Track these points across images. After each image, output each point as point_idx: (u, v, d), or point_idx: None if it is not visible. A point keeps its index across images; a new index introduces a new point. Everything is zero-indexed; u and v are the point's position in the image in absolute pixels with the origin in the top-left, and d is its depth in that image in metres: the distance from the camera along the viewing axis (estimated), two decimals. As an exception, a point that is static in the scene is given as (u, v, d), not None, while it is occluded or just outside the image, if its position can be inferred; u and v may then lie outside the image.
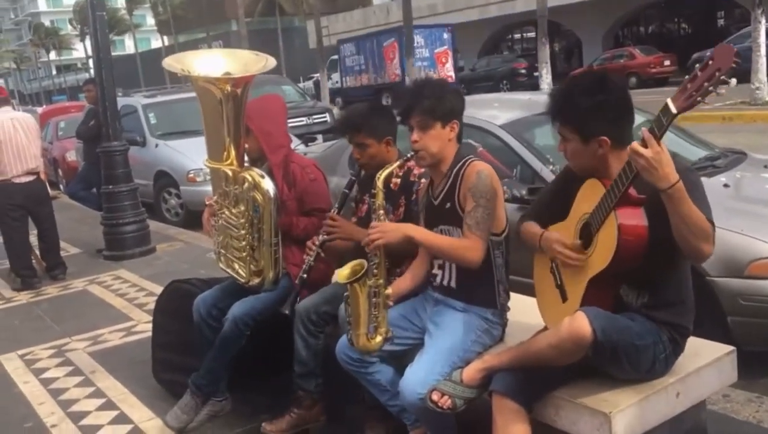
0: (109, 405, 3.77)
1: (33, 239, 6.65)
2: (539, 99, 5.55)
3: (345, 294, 2.61)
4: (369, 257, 2.58)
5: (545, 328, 2.54)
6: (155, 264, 6.86)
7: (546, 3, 18.02)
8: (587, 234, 2.28)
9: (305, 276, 3.07)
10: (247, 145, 3.31)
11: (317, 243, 3.04)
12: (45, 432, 3.57)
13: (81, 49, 63.68)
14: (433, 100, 2.57)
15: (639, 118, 2.16)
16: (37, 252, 6.75)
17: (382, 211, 2.62)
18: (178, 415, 3.40)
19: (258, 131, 3.30)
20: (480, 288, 2.64)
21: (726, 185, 4.00)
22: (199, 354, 3.40)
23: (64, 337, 4.95)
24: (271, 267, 3.24)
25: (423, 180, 2.92)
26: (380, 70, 26.76)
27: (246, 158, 3.34)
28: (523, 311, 2.84)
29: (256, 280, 3.27)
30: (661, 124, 1.99)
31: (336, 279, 3.26)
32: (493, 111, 4.86)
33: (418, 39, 24.96)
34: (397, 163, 2.71)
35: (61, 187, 12.92)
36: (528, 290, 2.99)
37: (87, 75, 45.26)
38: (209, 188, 3.56)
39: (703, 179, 3.93)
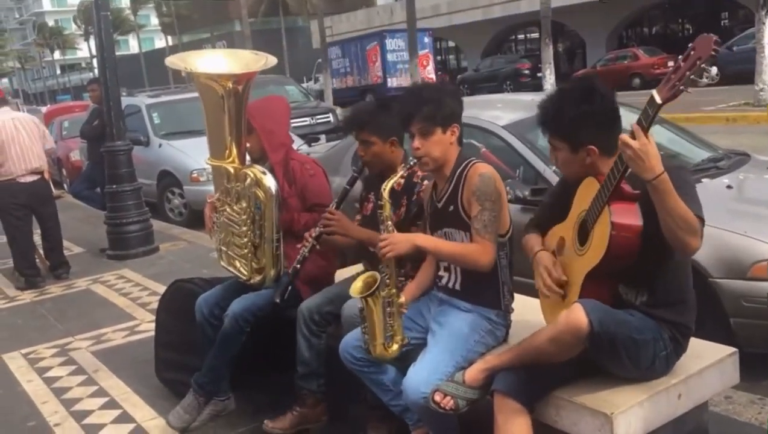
0: (112, 404, 3.78)
1: (37, 238, 6.67)
2: (542, 100, 5.56)
3: (359, 306, 2.62)
4: (380, 268, 2.59)
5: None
6: (158, 263, 6.88)
7: (550, 4, 17.99)
8: (584, 231, 2.32)
9: (299, 266, 3.06)
10: (248, 144, 3.33)
11: (314, 234, 3.04)
12: (48, 431, 3.58)
13: (85, 49, 63.91)
14: (433, 105, 2.57)
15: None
16: (41, 251, 6.77)
17: (389, 222, 2.61)
18: (180, 415, 3.40)
19: (260, 129, 3.33)
20: (484, 289, 2.65)
21: (729, 187, 4.00)
22: (201, 353, 3.41)
23: (67, 336, 4.97)
24: (273, 265, 3.25)
25: (426, 181, 2.92)
26: (364, 73, 28.00)
27: (248, 157, 3.36)
28: (527, 312, 2.84)
29: (257, 278, 3.28)
30: (647, 116, 2.05)
31: (338, 284, 3.28)
32: (496, 112, 4.86)
33: (399, 43, 26.48)
34: (401, 172, 2.69)
35: (65, 186, 12.96)
36: (532, 291, 3.00)
37: (91, 74, 45.33)
38: (212, 188, 3.58)
39: (706, 181, 3.99)
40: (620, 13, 30.10)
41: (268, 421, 3.23)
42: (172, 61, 3.33)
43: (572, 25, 31.80)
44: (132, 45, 70.42)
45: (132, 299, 5.73)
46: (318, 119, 13.44)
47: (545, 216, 2.64)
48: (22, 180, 6.16)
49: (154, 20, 64.05)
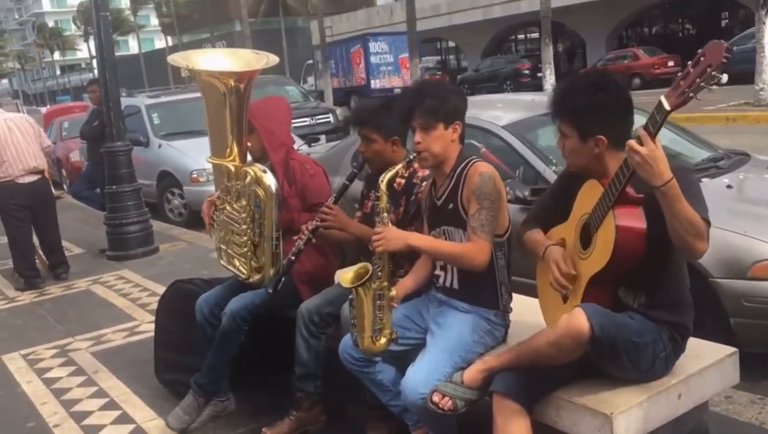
0: (112, 405, 3.78)
1: (36, 239, 6.66)
2: (542, 100, 5.53)
3: (350, 297, 2.61)
4: (373, 260, 2.58)
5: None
6: (158, 264, 6.87)
7: (550, 4, 17.99)
8: (587, 234, 2.29)
9: (293, 258, 3.06)
10: (249, 143, 3.34)
11: (310, 227, 3.04)
12: (47, 432, 3.58)
13: (85, 50, 63.94)
14: (436, 100, 2.56)
15: (641, 119, 2.16)
16: (40, 251, 6.77)
17: (385, 214, 2.60)
18: (179, 416, 3.40)
19: (261, 129, 3.34)
20: (483, 289, 2.64)
21: (729, 186, 4.00)
22: (201, 353, 3.40)
23: (67, 337, 4.96)
24: (272, 264, 3.24)
25: (425, 183, 2.92)
26: (348, 74, 28.84)
27: (249, 156, 3.36)
28: (526, 312, 2.84)
29: (256, 277, 3.28)
30: (655, 122, 2.02)
31: (338, 281, 3.27)
32: (496, 112, 4.86)
33: (382, 46, 28.04)
34: (401, 164, 2.70)
35: (65, 186, 12.96)
36: (530, 291, 2.99)
37: (91, 75, 45.37)
38: (212, 188, 3.58)
39: (706, 180, 3.99)
40: (620, 13, 30.10)
41: (266, 429, 3.22)
42: (175, 58, 3.35)
43: (572, 25, 31.80)
44: (132, 45, 70.43)
45: (132, 300, 5.73)
46: (318, 119, 13.44)
47: (545, 213, 2.61)
48: (21, 180, 6.15)
49: (154, 21, 64.05)
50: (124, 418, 3.62)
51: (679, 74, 2.00)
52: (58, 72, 78.54)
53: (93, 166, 8.07)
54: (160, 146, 9.56)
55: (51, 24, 76.36)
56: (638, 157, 2.01)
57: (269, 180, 3.16)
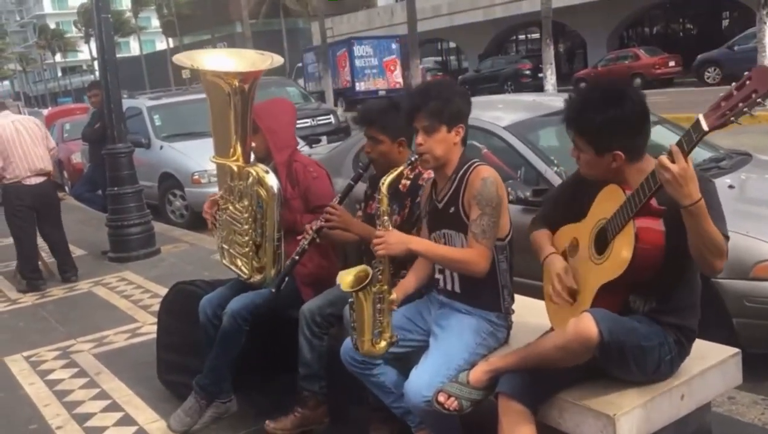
0: (114, 407, 3.78)
1: (41, 241, 6.66)
2: (544, 100, 5.56)
3: (350, 300, 2.60)
4: (373, 263, 2.57)
5: (551, 330, 2.54)
6: (160, 265, 6.88)
7: (550, 4, 17.98)
8: (603, 240, 2.26)
9: (297, 258, 3.05)
10: (254, 144, 3.34)
11: (314, 227, 3.03)
12: (50, 434, 3.59)
13: (86, 51, 63.95)
14: (440, 102, 2.54)
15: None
16: (42, 253, 6.77)
17: (386, 217, 2.59)
18: (181, 418, 3.40)
19: (266, 129, 3.34)
20: (484, 292, 2.64)
21: (731, 186, 3.99)
22: (203, 355, 3.41)
23: (69, 339, 4.97)
24: (273, 264, 3.24)
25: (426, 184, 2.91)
26: (334, 77, 29.24)
27: (252, 157, 3.36)
28: (528, 313, 2.84)
29: (257, 277, 3.28)
30: (690, 140, 1.95)
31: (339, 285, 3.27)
32: (497, 112, 4.86)
33: (367, 49, 29.08)
34: (402, 167, 2.69)
35: (67, 188, 12.97)
36: (532, 292, 2.99)
37: (92, 77, 45.39)
38: (213, 190, 3.59)
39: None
40: (621, 13, 30.09)
41: (269, 422, 3.23)
42: (180, 59, 3.35)
43: (573, 25, 31.80)
44: (133, 47, 70.53)
45: (134, 301, 5.73)
46: (319, 120, 13.44)
47: (556, 212, 2.57)
48: (27, 182, 6.17)
49: (155, 22, 64.18)
50: (127, 420, 3.62)
51: (722, 94, 1.92)
52: (60, 74, 78.61)
53: (94, 168, 8.07)
54: (161, 148, 9.56)
55: (52, 26, 76.45)
56: (669, 174, 1.95)
57: (271, 180, 3.16)
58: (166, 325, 3.86)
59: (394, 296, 2.60)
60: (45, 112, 21.27)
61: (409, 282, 2.78)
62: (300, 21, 49.19)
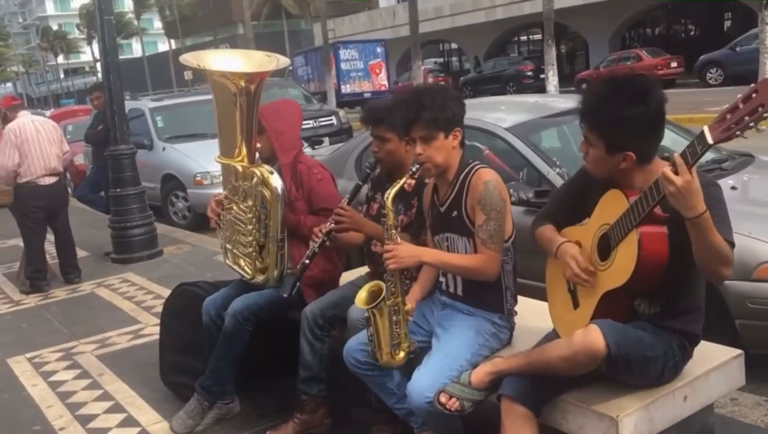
0: (117, 408, 3.79)
1: (46, 243, 6.68)
2: (546, 102, 5.56)
3: (365, 315, 2.60)
4: (385, 277, 2.57)
5: (553, 331, 2.54)
6: (163, 267, 6.88)
7: (552, 5, 17.97)
8: (606, 246, 2.24)
9: (308, 262, 3.03)
10: (259, 145, 3.35)
11: (324, 230, 3.01)
12: (53, 435, 3.59)
13: (89, 53, 63.98)
14: (435, 110, 2.53)
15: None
16: (46, 256, 6.78)
17: (394, 231, 2.58)
18: (183, 420, 3.40)
19: (271, 131, 3.35)
20: (487, 294, 2.64)
21: (733, 188, 3.99)
22: (206, 356, 3.41)
23: (72, 340, 4.97)
24: (276, 265, 3.25)
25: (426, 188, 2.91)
26: (323, 79, 29.91)
27: (258, 157, 3.37)
28: (531, 314, 2.84)
29: (260, 278, 3.28)
30: (695, 153, 1.90)
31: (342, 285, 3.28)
32: (499, 114, 4.86)
33: (352, 53, 30.31)
34: (404, 179, 2.65)
35: (69, 190, 12.97)
36: (536, 293, 2.99)
37: (95, 78, 45.40)
38: (216, 191, 3.59)
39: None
40: (623, 14, 30.07)
41: (270, 431, 3.23)
42: (187, 58, 3.36)
43: (575, 26, 31.80)
44: (135, 48, 70.61)
45: (136, 303, 5.74)
46: (321, 122, 13.43)
47: (559, 212, 2.54)
48: (42, 182, 6.20)
49: (158, 24, 64.21)
50: (130, 421, 3.62)
51: (727, 106, 1.88)
52: (62, 75, 78.72)
53: (97, 170, 8.09)
54: (164, 149, 9.57)
55: (55, 27, 76.57)
56: (673, 187, 1.92)
57: (276, 181, 3.17)
58: (169, 327, 3.86)
59: (408, 306, 2.61)
60: (48, 113, 21.27)
61: (417, 291, 2.79)
62: (302, 22, 49.22)
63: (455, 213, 2.62)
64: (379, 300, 2.53)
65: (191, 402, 3.42)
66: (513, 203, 3.02)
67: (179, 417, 3.41)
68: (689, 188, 1.91)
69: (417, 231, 2.95)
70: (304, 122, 12.57)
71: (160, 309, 4.09)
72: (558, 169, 4.13)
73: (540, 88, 22.21)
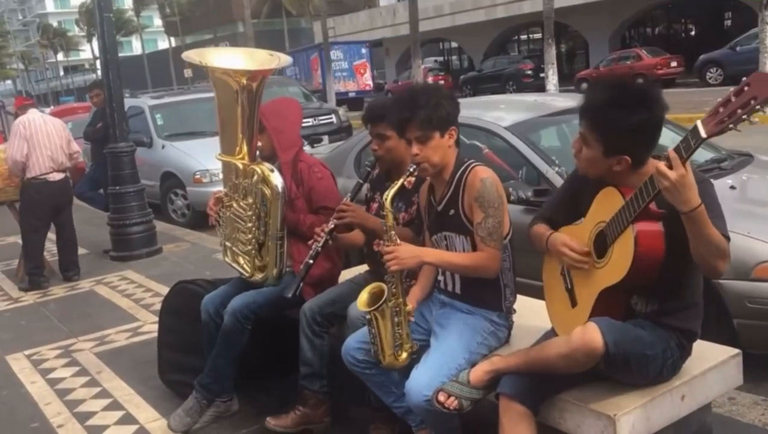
0: (115, 406, 3.79)
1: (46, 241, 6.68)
2: (545, 101, 5.56)
3: (366, 317, 2.60)
4: (386, 279, 2.57)
5: (552, 329, 2.54)
6: (162, 264, 6.89)
7: (552, 4, 17.95)
8: (602, 244, 2.24)
9: (311, 261, 3.01)
10: (260, 143, 3.34)
11: (326, 229, 2.99)
12: (51, 433, 3.59)
13: (88, 50, 63.95)
14: (429, 109, 2.52)
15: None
16: (45, 252, 6.78)
17: (393, 232, 2.57)
18: (181, 417, 3.40)
19: (272, 129, 3.35)
20: (486, 292, 2.64)
21: (732, 187, 3.99)
22: (205, 354, 3.41)
23: (70, 338, 4.97)
24: (275, 263, 3.25)
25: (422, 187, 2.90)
26: (309, 79, 31.08)
27: (258, 156, 3.37)
28: (529, 313, 2.84)
29: (259, 276, 3.28)
30: (689, 147, 1.92)
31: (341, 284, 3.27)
32: (499, 112, 4.86)
33: (338, 54, 30.82)
34: (402, 179, 2.64)
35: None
36: (534, 292, 3.00)
37: (94, 76, 45.42)
38: (215, 189, 3.59)
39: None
40: (623, 14, 30.08)
41: (270, 418, 3.24)
42: (190, 55, 3.36)
43: (575, 25, 31.79)
44: (135, 46, 70.57)
45: (135, 300, 5.74)
46: (321, 120, 13.44)
47: (556, 212, 2.54)
48: (51, 178, 6.20)
49: (157, 21, 64.12)
50: (128, 419, 3.63)
51: (719, 99, 1.88)
52: (62, 72, 78.68)
53: (96, 167, 8.09)
54: (163, 147, 9.57)
55: (55, 24, 76.49)
56: (667, 182, 1.92)
57: (276, 179, 3.17)
58: (168, 324, 3.86)
59: (410, 307, 2.61)
60: (47, 111, 21.28)
61: (418, 291, 2.80)
62: (302, 21, 49.20)
63: (452, 211, 2.62)
64: (381, 303, 2.53)
65: (189, 400, 3.42)
66: (512, 202, 3.03)
67: (177, 415, 3.41)
68: (683, 182, 1.92)
69: (419, 228, 2.95)
70: (304, 120, 12.64)
71: (158, 307, 4.09)
72: (557, 168, 4.13)
73: (540, 87, 22.20)
